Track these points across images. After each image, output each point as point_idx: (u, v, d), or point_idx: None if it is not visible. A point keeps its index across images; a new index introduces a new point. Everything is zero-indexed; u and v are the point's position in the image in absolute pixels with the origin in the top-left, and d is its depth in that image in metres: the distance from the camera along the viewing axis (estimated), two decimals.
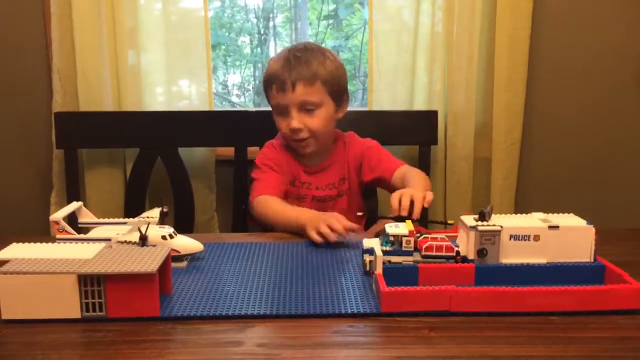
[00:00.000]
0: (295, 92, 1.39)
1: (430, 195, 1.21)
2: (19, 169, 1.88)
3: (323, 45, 2.43)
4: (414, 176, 1.40)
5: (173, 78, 1.85)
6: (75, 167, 1.75)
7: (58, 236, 1.05)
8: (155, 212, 1.13)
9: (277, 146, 1.53)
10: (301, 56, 1.41)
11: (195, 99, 1.86)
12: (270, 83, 1.43)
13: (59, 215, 1.05)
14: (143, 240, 0.99)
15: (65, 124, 1.73)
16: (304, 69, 1.39)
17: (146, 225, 1.01)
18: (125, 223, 1.08)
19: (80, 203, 1.11)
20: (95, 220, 1.11)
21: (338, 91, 1.45)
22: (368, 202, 1.73)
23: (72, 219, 1.09)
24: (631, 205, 1.90)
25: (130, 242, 0.99)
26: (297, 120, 1.40)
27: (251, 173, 1.52)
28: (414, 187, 1.28)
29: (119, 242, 1.00)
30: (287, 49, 1.46)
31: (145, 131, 1.75)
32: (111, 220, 1.10)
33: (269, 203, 1.37)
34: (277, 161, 1.49)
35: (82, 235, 1.05)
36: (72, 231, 1.05)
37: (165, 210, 1.13)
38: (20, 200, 1.88)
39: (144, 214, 1.14)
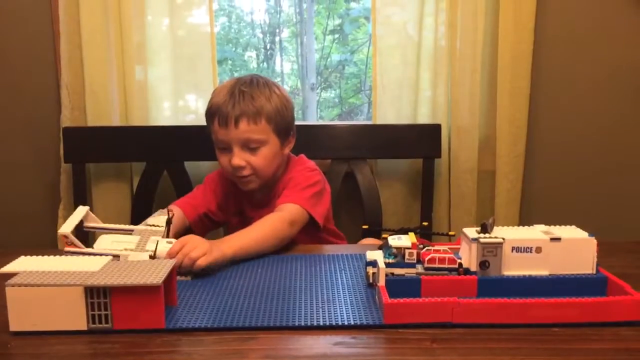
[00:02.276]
0: (239, 128, 1.33)
1: (202, 262, 1.06)
2: (28, 183, 1.90)
3: (328, 59, 2.46)
4: (257, 225, 1.24)
5: (180, 93, 1.87)
6: (83, 181, 1.77)
7: (67, 249, 1.06)
8: (161, 220, 1.12)
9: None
10: (247, 91, 1.35)
11: (202, 113, 1.86)
12: (213, 116, 1.36)
13: (67, 229, 1.06)
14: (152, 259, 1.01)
15: (73, 138, 1.75)
16: (249, 104, 1.33)
17: (155, 243, 1.02)
18: (131, 230, 1.09)
19: (86, 208, 1.12)
20: (101, 225, 1.12)
21: (284, 127, 1.39)
22: (372, 214, 1.74)
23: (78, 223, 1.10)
24: (634, 218, 1.89)
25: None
26: (238, 157, 1.34)
27: None
28: (226, 240, 1.18)
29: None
30: (233, 81, 1.39)
31: (151, 145, 1.77)
32: (116, 226, 1.11)
33: None
34: (223, 188, 1.48)
35: (89, 250, 1.06)
36: (81, 245, 1.06)
37: (171, 216, 1.12)
38: (29, 214, 1.90)
39: (150, 220, 1.13)
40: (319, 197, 1.39)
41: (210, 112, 1.38)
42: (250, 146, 1.34)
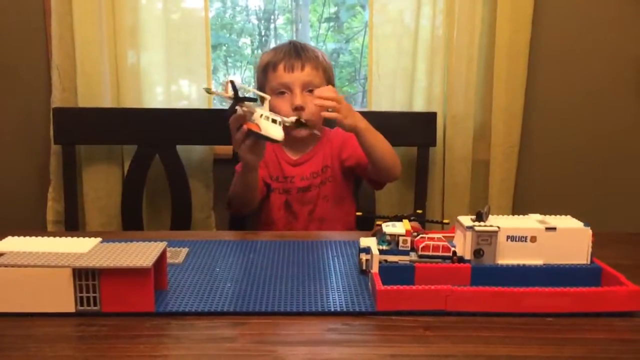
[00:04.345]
0: (304, 72, 1.50)
1: (345, 120, 1.34)
2: (17, 164, 1.88)
3: (323, 47, 2.44)
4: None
5: (173, 78, 1.85)
6: (73, 163, 1.75)
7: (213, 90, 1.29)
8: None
9: None
10: (306, 46, 1.57)
11: (195, 99, 1.85)
12: (276, 64, 1.52)
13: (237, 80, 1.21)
14: (235, 95, 1.19)
15: (64, 119, 1.73)
16: (312, 55, 1.53)
17: (245, 91, 1.20)
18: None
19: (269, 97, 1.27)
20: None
21: (332, 84, 1.58)
22: (366, 201, 1.73)
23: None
24: (629, 208, 1.90)
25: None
26: (300, 98, 1.48)
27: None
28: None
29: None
30: (287, 42, 1.59)
31: (143, 128, 1.75)
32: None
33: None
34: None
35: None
36: (225, 94, 1.23)
37: (304, 121, 1.29)
38: (18, 195, 1.88)
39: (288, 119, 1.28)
40: None
41: (274, 61, 1.53)
42: (309, 89, 1.50)
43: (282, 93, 1.51)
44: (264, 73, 1.55)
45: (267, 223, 1.56)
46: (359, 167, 1.55)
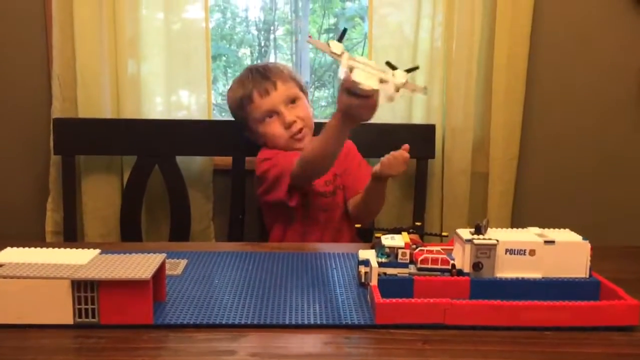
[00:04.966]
0: (278, 90, 1.53)
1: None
2: (16, 174, 1.87)
3: (323, 58, 2.45)
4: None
5: (173, 88, 1.85)
6: (73, 173, 1.75)
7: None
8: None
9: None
10: (267, 66, 1.60)
11: (195, 109, 1.86)
12: (250, 96, 1.54)
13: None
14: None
15: (64, 130, 1.73)
16: (277, 72, 1.56)
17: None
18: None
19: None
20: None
21: (303, 87, 1.62)
22: None
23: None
24: (628, 222, 1.90)
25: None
26: (289, 114, 1.52)
27: (263, 173, 1.53)
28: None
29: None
30: (244, 72, 1.61)
31: (143, 139, 1.75)
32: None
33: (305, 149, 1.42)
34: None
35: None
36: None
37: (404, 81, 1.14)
38: (17, 206, 1.88)
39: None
40: None
41: (246, 96, 1.55)
42: (291, 100, 1.54)
43: (270, 116, 1.54)
44: (242, 109, 1.58)
45: (282, 219, 1.56)
46: (346, 190, 1.58)
